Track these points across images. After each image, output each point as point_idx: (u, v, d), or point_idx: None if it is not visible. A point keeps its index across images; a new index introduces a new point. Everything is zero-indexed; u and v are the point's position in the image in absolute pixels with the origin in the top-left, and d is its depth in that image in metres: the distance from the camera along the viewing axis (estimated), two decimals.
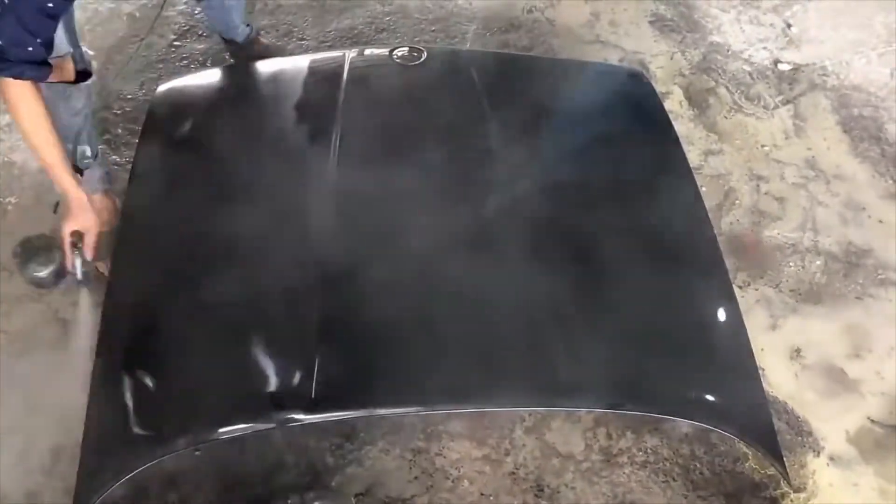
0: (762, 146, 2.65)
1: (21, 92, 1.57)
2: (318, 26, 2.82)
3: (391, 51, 2.07)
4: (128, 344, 1.57)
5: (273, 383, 1.52)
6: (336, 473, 1.81)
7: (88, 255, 1.65)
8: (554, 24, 2.96)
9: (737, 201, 2.48)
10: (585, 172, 1.87)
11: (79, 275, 1.66)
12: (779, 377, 2.08)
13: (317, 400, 1.46)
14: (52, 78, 1.60)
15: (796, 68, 2.91)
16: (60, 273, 1.70)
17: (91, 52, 1.84)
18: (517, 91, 2.05)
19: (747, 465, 1.90)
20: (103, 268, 2.21)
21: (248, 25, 2.50)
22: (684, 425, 1.92)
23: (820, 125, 2.74)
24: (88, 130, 1.91)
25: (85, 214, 1.67)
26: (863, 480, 1.93)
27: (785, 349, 2.14)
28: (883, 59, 2.98)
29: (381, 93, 1.98)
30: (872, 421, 2.03)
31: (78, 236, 1.65)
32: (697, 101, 2.77)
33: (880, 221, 2.48)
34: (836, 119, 2.76)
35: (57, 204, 2.11)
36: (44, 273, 1.67)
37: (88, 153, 1.91)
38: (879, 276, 2.33)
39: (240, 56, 2.53)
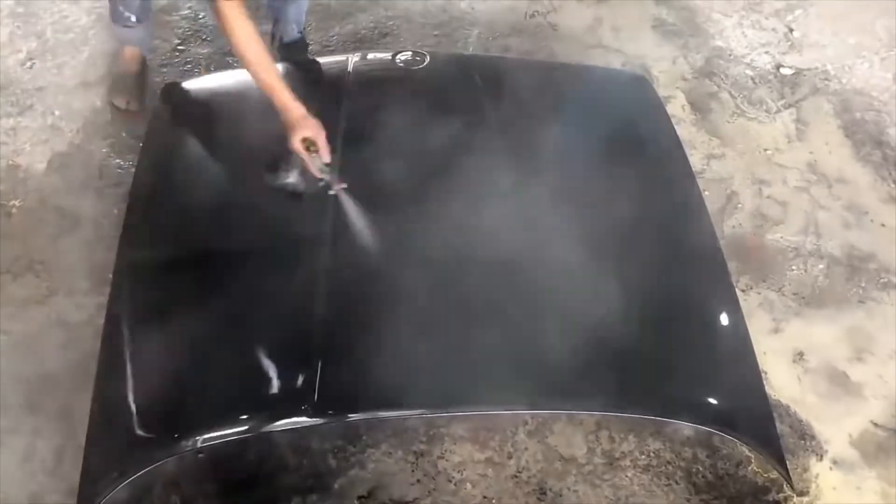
0: (764, 150, 2.66)
1: (234, 11, 1.66)
2: (321, 31, 2.83)
3: (394, 55, 2.08)
4: (132, 346, 1.58)
5: (276, 386, 1.52)
6: (339, 476, 1.81)
7: (326, 157, 1.69)
8: (556, 28, 2.97)
9: (739, 205, 2.48)
10: (588, 177, 1.87)
11: (325, 175, 1.70)
12: (781, 380, 2.07)
13: (320, 403, 1.46)
14: None
15: (798, 73, 2.92)
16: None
17: None
18: (520, 95, 2.06)
19: (750, 468, 1.90)
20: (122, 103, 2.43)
21: (299, 32, 2.53)
22: (687, 428, 1.91)
23: (822, 129, 2.74)
24: None
25: (308, 122, 1.69)
26: (866, 484, 1.93)
27: (787, 352, 2.14)
28: (885, 64, 2.98)
29: (385, 97, 1.99)
30: (875, 424, 2.03)
31: (309, 142, 1.68)
32: (700, 105, 2.77)
33: (882, 225, 2.48)
34: (838, 123, 2.77)
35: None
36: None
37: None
38: (882, 280, 2.33)
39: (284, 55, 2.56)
